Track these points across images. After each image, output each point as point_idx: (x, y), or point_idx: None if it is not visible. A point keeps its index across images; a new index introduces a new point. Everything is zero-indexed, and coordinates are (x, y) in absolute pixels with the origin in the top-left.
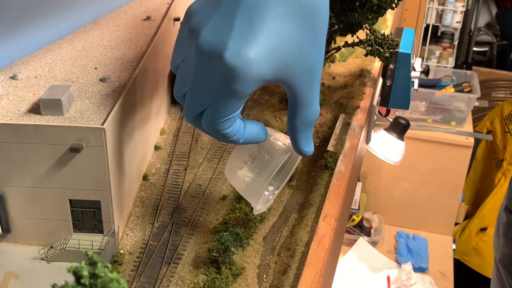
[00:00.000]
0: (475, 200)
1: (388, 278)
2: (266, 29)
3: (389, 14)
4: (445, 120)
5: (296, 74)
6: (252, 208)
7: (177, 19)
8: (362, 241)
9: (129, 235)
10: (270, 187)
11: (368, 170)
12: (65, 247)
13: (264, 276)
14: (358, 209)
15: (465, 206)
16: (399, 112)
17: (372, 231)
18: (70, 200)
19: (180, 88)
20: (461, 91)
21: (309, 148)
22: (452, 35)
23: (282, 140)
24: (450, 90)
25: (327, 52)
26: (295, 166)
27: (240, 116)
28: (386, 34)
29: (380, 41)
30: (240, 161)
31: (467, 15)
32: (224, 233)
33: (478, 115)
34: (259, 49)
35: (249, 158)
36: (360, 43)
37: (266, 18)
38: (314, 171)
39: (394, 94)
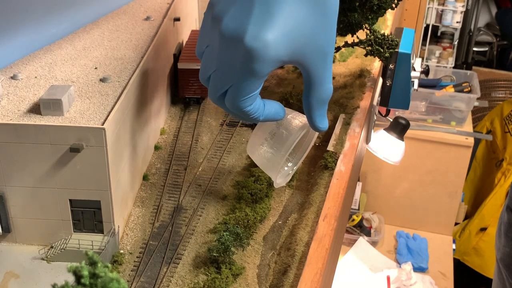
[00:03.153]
0: (475, 200)
1: (388, 278)
2: (282, 14)
3: (389, 14)
4: (445, 120)
5: (310, 55)
6: (251, 208)
7: (177, 19)
8: (362, 241)
9: (129, 235)
10: (289, 163)
11: (368, 170)
12: (65, 247)
13: (264, 276)
14: (358, 209)
15: (465, 206)
16: (399, 112)
17: (372, 231)
18: (70, 200)
19: (205, 72)
20: (461, 91)
21: (324, 124)
22: (452, 35)
23: (299, 118)
24: (450, 90)
25: None
26: (311, 143)
27: (259, 96)
28: (386, 34)
29: (380, 41)
30: (260, 138)
31: (467, 15)
32: (224, 233)
33: (478, 115)
34: (275, 33)
35: (268, 135)
36: (360, 43)
37: (281, 4)
38: (314, 171)
39: (394, 94)
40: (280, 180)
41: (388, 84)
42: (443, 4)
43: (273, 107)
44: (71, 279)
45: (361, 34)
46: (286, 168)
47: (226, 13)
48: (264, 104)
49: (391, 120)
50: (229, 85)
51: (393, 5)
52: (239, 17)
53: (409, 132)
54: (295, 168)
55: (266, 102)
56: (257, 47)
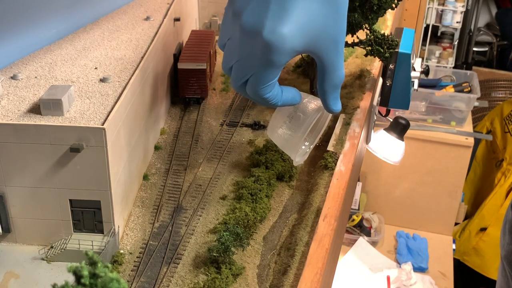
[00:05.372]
0: (475, 200)
1: (388, 278)
2: (296, 8)
3: (389, 14)
4: (445, 120)
5: (323, 45)
6: (251, 208)
7: (177, 19)
8: (362, 241)
9: (129, 235)
10: (306, 142)
11: (368, 170)
12: (65, 247)
13: (264, 276)
14: (358, 209)
15: (465, 206)
16: (399, 112)
17: (372, 231)
18: (70, 200)
19: (227, 62)
20: (461, 91)
21: (337, 106)
22: (452, 35)
23: (314, 101)
24: (450, 90)
25: None
26: (326, 124)
27: (277, 83)
28: (386, 34)
29: (380, 41)
30: (279, 121)
31: (467, 15)
32: (224, 233)
33: (478, 115)
34: (291, 26)
35: (287, 118)
36: (360, 43)
37: (296, 0)
38: (314, 171)
39: (394, 94)
40: (298, 158)
41: (388, 84)
42: (443, 4)
43: (290, 92)
44: (71, 279)
45: (361, 34)
46: (303, 147)
47: (245, 9)
48: (281, 91)
49: (391, 120)
50: (250, 75)
51: (393, 5)
52: (257, 13)
53: (409, 132)
54: (311, 146)
55: (284, 88)
56: (274, 40)
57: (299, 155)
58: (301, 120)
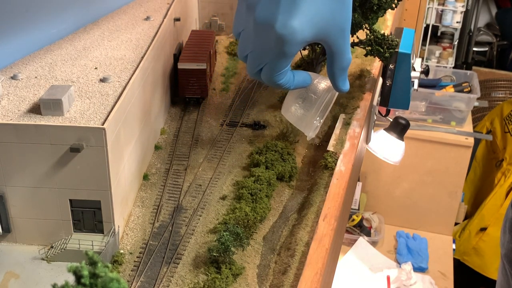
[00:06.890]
0: (475, 200)
1: (388, 278)
2: (305, 2)
3: (389, 14)
4: (445, 120)
5: (331, 34)
6: (251, 208)
7: (177, 19)
8: (362, 241)
9: (129, 235)
10: (317, 117)
11: (368, 170)
12: (65, 247)
13: (264, 276)
14: (358, 209)
15: (465, 206)
16: (399, 112)
17: (372, 231)
18: (70, 200)
19: (242, 51)
20: (461, 91)
21: (346, 86)
22: (452, 35)
23: (323, 81)
24: (450, 90)
25: None
26: (333, 101)
27: (290, 69)
28: (386, 34)
29: (380, 41)
30: (293, 102)
31: (467, 15)
32: (224, 233)
33: (478, 115)
34: (301, 19)
35: (300, 99)
36: (360, 43)
37: None
38: (314, 171)
39: (394, 94)
40: (311, 133)
41: (388, 84)
42: (443, 4)
43: (301, 76)
44: (71, 279)
45: (361, 34)
46: (314, 122)
47: (258, 3)
48: (293, 75)
49: (391, 120)
50: (264, 63)
51: (393, 5)
52: (269, 7)
53: (409, 132)
54: (321, 121)
55: (295, 72)
56: (286, 33)
57: (312, 130)
58: (313, 100)
